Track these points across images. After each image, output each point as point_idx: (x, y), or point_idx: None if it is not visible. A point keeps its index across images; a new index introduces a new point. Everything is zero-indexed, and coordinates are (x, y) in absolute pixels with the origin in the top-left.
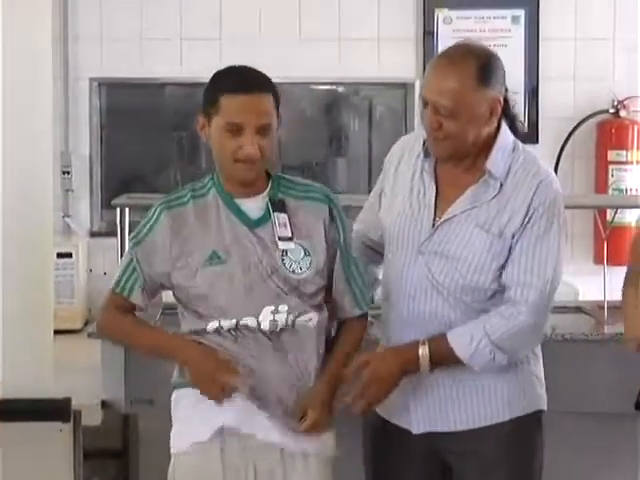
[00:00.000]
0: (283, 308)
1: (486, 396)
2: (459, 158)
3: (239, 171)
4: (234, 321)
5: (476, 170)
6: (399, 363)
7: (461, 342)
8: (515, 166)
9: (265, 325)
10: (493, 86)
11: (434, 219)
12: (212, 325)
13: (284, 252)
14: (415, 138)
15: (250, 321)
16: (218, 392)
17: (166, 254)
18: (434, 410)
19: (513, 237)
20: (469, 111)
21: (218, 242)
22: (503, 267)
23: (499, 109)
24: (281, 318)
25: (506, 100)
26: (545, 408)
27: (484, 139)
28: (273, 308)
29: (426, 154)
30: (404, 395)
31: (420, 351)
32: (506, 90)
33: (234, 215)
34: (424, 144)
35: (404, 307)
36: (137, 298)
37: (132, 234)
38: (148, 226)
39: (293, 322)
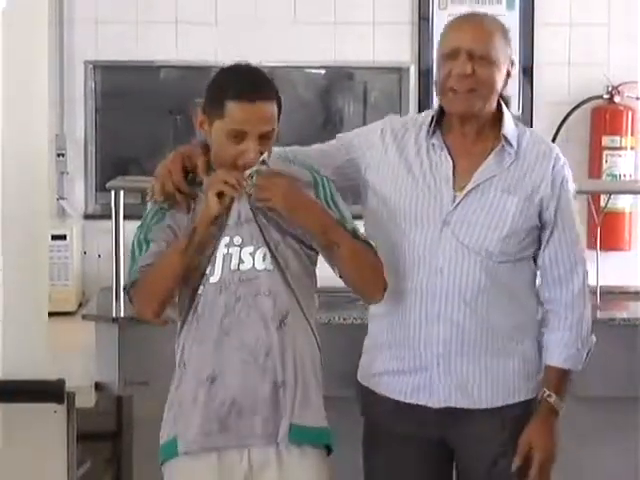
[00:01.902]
0: (237, 240)
1: (506, 367)
2: (475, 119)
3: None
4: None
5: (487, 140)
6: (551, 431)
7: (572, 359)
8: (524, 137)
9: (219, 261)
10: (509, 46)
11: (453, 190)
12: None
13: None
14: (410, 120)
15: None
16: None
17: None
18: (456, 383)
19: (542, 206)
20: (499, 59)
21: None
22: (531, 231)
23: (511, 72)
24: (235, 252)
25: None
26: None
27: (494, 107)
28: (228, 240)
29: (434, 131)
30: (427, 372)
31: (553, 402)
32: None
33: None
34: (432, 120)
35: (431, 284)
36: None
37: (141, 225)
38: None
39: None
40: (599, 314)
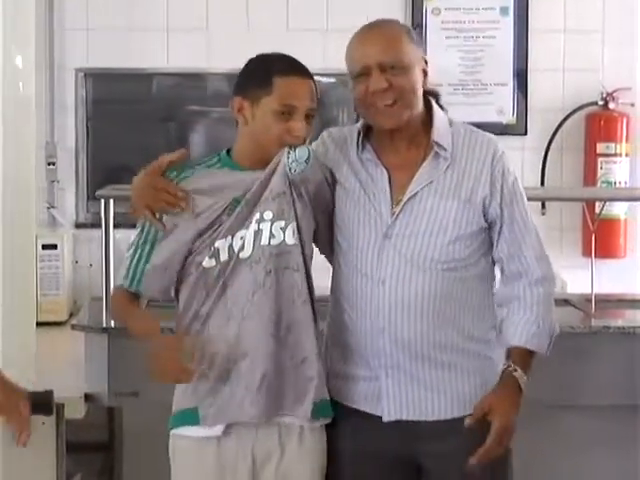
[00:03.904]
0: (268, 215)
1: (459, 381)
2: (405, 128)
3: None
4: (229, 239)
5: (420, 147)
6: (514, 402)
7: (533, 338)
8: (459, 137)
9: (250, 236)
10: (419, 46)
11: (391, 203)
12: (208, 261)
13: (292, 148)
14: (347, 133)
15: (241, 234)
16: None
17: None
18: (406, 395)
19: (485, 205)
20: (412, 62)
21: (235, 192)
22: (477, 234)
23: (427, 70)
24: (265, 227)
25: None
26: None
27: (421, 110)
28: (258, 216)
29: (364, 145)
30: (377, 380)
31: (518, 376)
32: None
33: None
34: (359, 135)
35: (375, 297)
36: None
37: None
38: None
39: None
40: (594, 322)
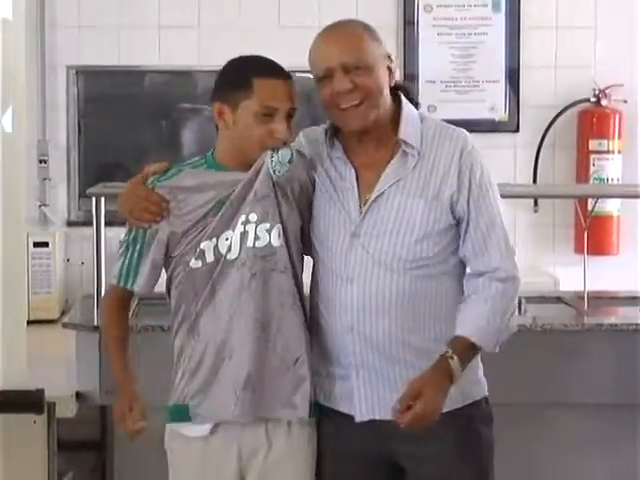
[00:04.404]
0: (253, 217)
1: None
2: (373, 128)
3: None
4: (214, 240)
5: (387, 146)
6: (442, 390)
7: (480, 332)
8: (429, 133)
9: (236, 239)
10: (381, 43)
11: (359, 202)
12: (194, 262)
13: (275, 151)
14: (319, 132)
15: (226, 235)
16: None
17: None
18: (377, 395)
19: (452, 202)
20: (376, 61)
21: (219, 192)
22: (445, 232)
23: (392, 67)
24: (251, 229)
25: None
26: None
27: (388, 108)
28: (244, 218)
29: (333, 144)
30: (349, 379)
31: (453, 365)
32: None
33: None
34: (326, 133)
35: (343, 294)
36: (141, 286)
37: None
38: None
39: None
40: (587, 320)
